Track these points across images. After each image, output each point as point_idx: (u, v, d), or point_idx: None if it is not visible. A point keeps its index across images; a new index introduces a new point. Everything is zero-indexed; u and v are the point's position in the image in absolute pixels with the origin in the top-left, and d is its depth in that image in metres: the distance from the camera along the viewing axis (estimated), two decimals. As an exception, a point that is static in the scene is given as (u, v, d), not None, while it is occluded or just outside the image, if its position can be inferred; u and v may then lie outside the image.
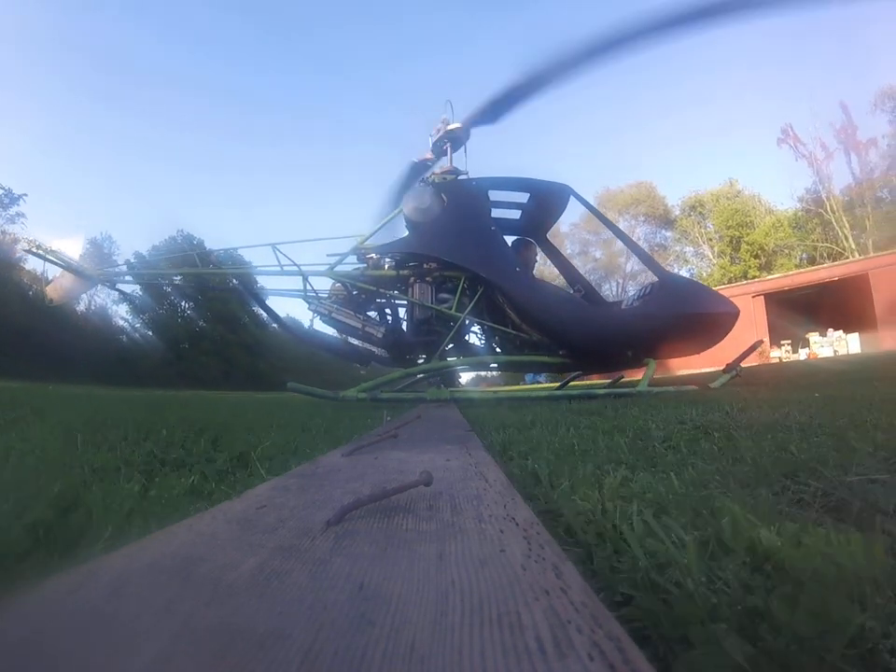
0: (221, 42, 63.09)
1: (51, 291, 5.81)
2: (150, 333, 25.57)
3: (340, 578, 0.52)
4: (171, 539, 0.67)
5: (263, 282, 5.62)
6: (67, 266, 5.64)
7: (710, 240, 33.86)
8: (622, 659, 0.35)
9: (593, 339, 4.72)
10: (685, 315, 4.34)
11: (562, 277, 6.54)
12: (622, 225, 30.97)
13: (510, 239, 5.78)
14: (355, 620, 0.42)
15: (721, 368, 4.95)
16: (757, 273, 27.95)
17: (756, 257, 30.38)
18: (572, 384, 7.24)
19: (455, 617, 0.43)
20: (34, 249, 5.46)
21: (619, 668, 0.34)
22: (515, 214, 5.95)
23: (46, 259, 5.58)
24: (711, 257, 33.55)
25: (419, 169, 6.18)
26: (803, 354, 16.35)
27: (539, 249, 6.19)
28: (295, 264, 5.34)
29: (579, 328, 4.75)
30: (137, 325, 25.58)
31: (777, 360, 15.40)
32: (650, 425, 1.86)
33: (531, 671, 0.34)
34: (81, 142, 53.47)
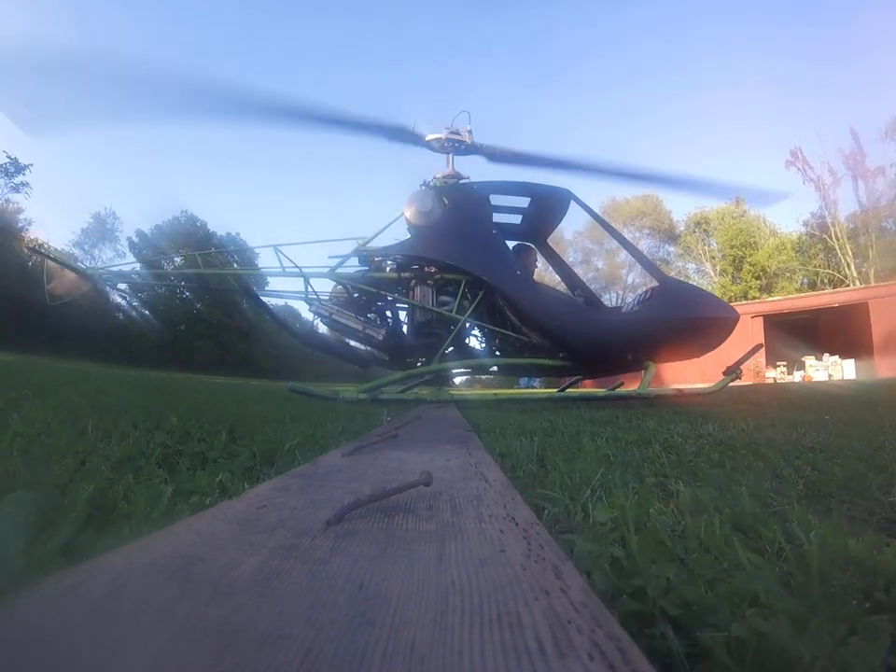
0: (232, 39, 63.26)
1: (53, 290, 5.82)
2: (147, 313, 25.44)
3: (340, 578, 0.52)
4: (171, 539, 0.67)
5: (265, 283, 5.65)
6: (69, 265, 5.66)
7: (713, 258, 33.98)
8: (622, 659, 0.35)
9: (593, 342, 4.73)
10: (685, 319, 4.36)
11: (563, 282, 6.55)
12: (626, 234, 31.16)
13: (511, 243, 5.80)
14: (355, 620, 0.42)
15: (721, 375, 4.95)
16: (757, 294, 28.07)
17: (757, 278, 30.57)
18: (569, 390, 7.24)
19: (455, 617, 0.42)
20: (36, 248, 5.48)
21: (619, 668, 0.34)
22: (516, 218, 5.97)
23: (48, 258, 5.60)
24: (713, 275, 33.65)
25: (405, 137, 6.03)
26: (797, 376, 16.48)
27: (539, 254, 6.21)
28: (297, 266, 5.36)
29: (579, 331, 4.76)
30: (135, 304, 25.42)
31: (773, 381, 15.46)
32: (675, 438, 1.86)
33: (531, 671, 0.34)
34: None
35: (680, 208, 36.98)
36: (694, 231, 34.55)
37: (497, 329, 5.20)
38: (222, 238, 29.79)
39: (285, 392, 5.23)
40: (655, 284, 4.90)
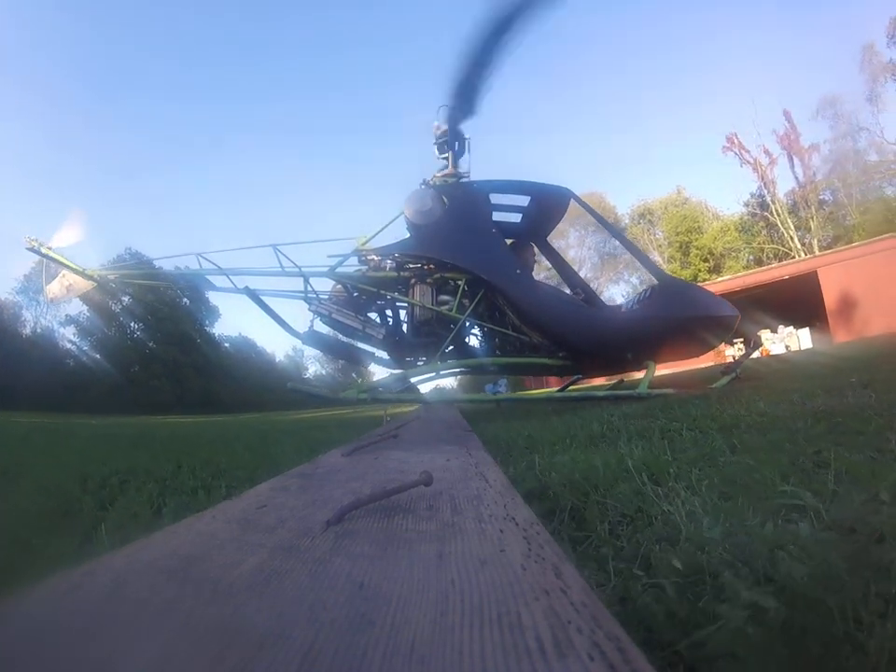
0: (215, 39, 62.56)
1: (51, 290, 5.82)
2: (99, 357, 24.68)
3: (340, 578, 0.52)
4: (171, 539, 0.67)
5: (264, 283, 5.63)
6: (67, 265, 5.66)
7: (660, 246, 34.92)
8: (622, 659, 0.35)
9: (593, 341, 4.73)
10: (685, 317, 4.36)
11: (563, 281, 6.55)
12: (571, 236, 31.78)
13: (510, 242, 5.80)
14: (355, 620, 0.42)
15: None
16: (707, 276, 28.89)
17: (705, 260, 31.66)
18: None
19: (455, 617, 0.42)
20: (34, 247, 5.47)
21: (619, 668, 0.34)
22: (516, 217, 5.96)
23: (46, 258, 5.60)
24: (662, 262, 34.31)
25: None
26: (755, 351, 16.64)
27: (539, 252, 6.21)
28: (296, 265, 5.35)
29: (579, 330, 4.77)
30: (85, 348, 24.65)
31: (731, 358, 15.65)
32: (751, 418, 1.79)
33: (531, 671, 0.34)
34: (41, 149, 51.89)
35: (624, 202, 37.54)
36: (639, 223, 35.32)
37: (496, 328, 5.20)
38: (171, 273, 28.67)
39: (283, 428, 5.05)
40: (655, 282, 4.90)
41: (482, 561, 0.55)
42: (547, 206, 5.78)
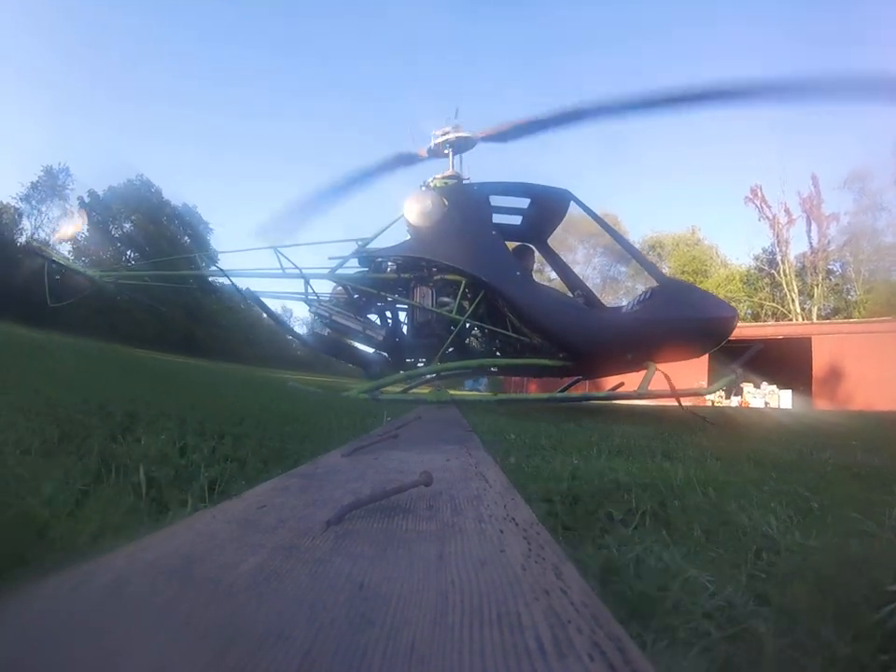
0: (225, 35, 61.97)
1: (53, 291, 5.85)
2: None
3: (340, 578, 0.52)
4: (171, 539, 0.67)
5: (265, 284, 5.66)
6: (71, 268, 5.68)
7: None
8: (622, 659, 0.35)
9: (593, 342, 4.74)
10: (685, 319, 4.36)
11: (563, 283, 6.56)
12: (580, 253, 31.92)
13: (510, 244, 5.81)
14: (355, 620, 0.42)
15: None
16: None
17: None
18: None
19: (455, 617, 0.42)
20: (37, 250, 5.49)
21: (619, 668, 0.34)
22: (516, 219, 5.97)
23: (50, 261, 5.62)
24: None
25: (405, 161, 6.26)
26: (735, 401, 16.92)
27: (539, 254, 6.22)
28: (297, 267, 5.37)
29: (579, 331, 4.77)
30: (77, 267, 24.21)
31: (711, 403, 15.70)
32: (766, 458, 1.75)
33: (531, 671, 0.34)
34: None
35: (637, 230, 37.58)
36: (648, 254, 35.10)
37: (497, 329, 5.21)
38: (177, 208, 28.19)
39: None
40: (655, 284, 4.91)
41: (482, 561, 0.55)
42: (547, 208, 5.79)
